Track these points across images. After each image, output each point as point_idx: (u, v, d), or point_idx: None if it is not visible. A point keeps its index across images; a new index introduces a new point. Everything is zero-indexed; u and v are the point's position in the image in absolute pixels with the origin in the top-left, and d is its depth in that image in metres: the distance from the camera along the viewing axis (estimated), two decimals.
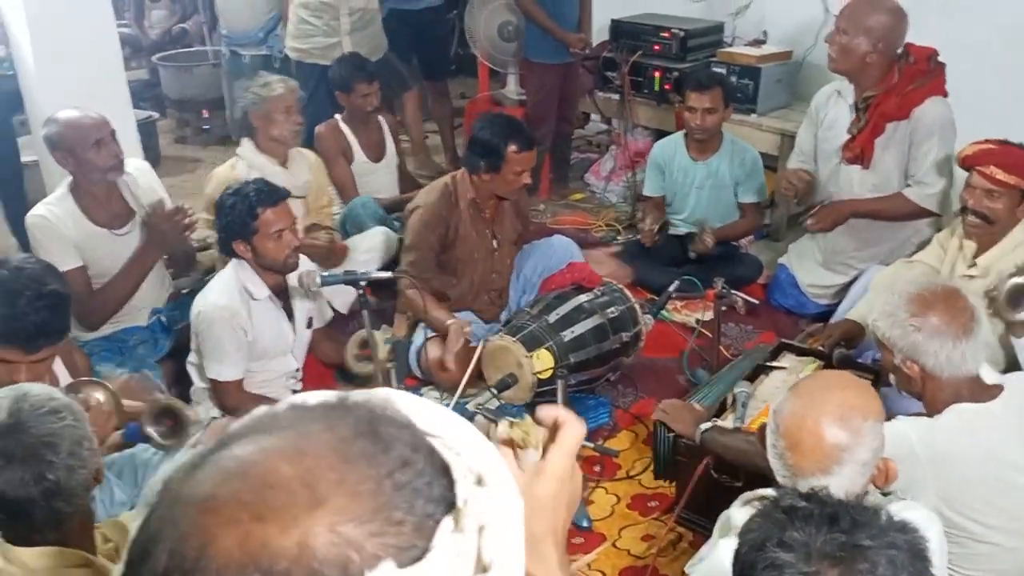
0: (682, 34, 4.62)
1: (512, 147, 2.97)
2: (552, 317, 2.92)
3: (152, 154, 6.26)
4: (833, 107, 3.37)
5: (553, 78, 4.64)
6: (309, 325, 2.91)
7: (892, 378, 2.07)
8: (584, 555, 2.41)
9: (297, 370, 2.89)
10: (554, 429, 0.77)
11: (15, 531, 1.43)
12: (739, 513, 1.59)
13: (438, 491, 0.52)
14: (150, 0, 7.82)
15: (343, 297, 3.30)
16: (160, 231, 2.96)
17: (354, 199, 3.84)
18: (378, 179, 4.03)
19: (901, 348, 1.93)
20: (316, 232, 3.48)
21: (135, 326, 3.14)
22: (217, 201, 2.66)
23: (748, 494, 1.63)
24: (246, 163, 3.38)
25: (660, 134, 4.85)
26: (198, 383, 2.86)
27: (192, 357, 2.85)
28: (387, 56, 4.50)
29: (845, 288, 3.39)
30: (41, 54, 3.50)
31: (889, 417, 1.99)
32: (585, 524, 2.49)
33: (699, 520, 2.35)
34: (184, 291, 3.33)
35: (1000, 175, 2.58)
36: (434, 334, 3.04)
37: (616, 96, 4.90)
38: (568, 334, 2.88)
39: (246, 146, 3.44)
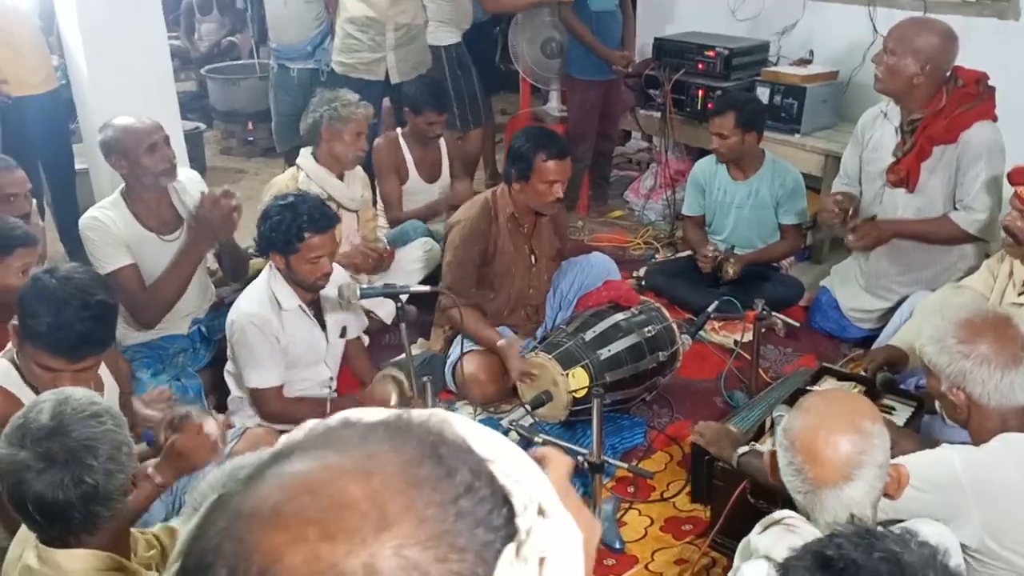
0: (726, 53, 4.59)
1: (541, 155, 2.96)
2: (588, 335, 2.90)
3: (198, 164, 6.38)
4: (879, 128, 3.32)
5: (595, 95, 4.64)
6: (343, 335, 2.91)
7: (937, 405, 2.03)
8: None
9: (331, 379, 2.89)
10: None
11: (51, 533, 1.45)
12: (760, 539, 1.58)
13: (499, 519, 0.51)
14: (200, 14, 7.99)
15: (387, 307, 3.31)
16: (207, 219, 2.96)
17: (405, 223, 3.86)
18: (429, 199, 4.06)
19: (948, 375, 1.89)
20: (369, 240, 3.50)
21: (176, 334, 3.18)
22: (266, 207, 2.68)
23: (767, 518, 1.62)
24: (306, 174, 3.41)
25: (701, 153, 4.81)
26: (235, 392, 2.88)
27: (229, 366, 2.87)
28: (466, 85, 4.55)
29: (888, 313, 3.33)
30: (95, 64, 3.59)
31: (934, 445, 1.95)
32: (618, 546, 2.46)
33: (734, 546, 2.29)
34: (226, 301, 3.36)
35: None
36: (470, 349, 3.04)
37: (657, 114, 4.89)
38: (604, 352, 2.86)
39: (306, 157, 3.47)
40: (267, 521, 0.48)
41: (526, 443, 2.71)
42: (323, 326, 2.81)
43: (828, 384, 2.75)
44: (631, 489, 2.67)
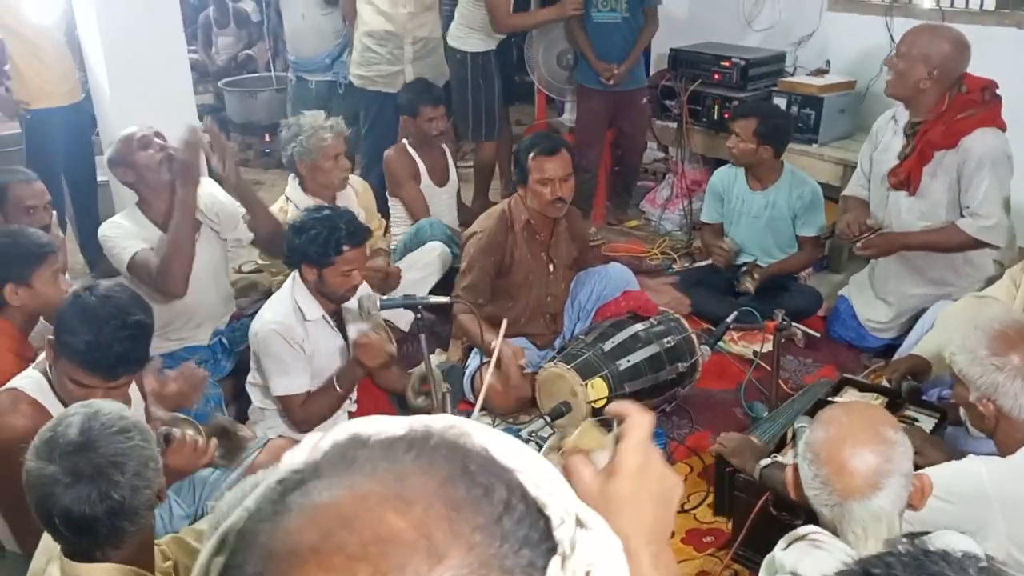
0: (743, 63, 4.60)
1: (532, 153, 2.99)
2: (607, 345, 2.90)
3: (215, 176, 6.44)
4: (888, 131, 3.34)
5: (600, 104, 4.65)
6: None
7: (963, 414, 2.01)
8: None
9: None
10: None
11: (77, 546, 1.45)
12: (785, 554, 1.57)
13: (536, 534, 0.49)
14: (217, 27, 8.06)
15: (407, 317, 3.32)
16: (184, 162, 2.84)
17: (422, 220, 3.87)
18: (440, 203, 4.08)
19: (979, 386, 1.88)
20: (373, 258, 3.49)
21: (197, 345, 3.19)
22: (300, 220, 2.67)
23: (791, 534, 1.61)
24: (294, 205, 3.40)
25: (718, 163, 4.81)
26: (257, 403, 2.89)
27: (252, 377, 2.88)
28: (485, 96, 4.55)
29: (907, 323, 3.32)
30: (115, 78, 3.63)
31: (960, 455, 1.94)
32: (672, 526, 2.43)
33: (756, 558, 2.28)
34: (246, 313, 3.37)
35: None
36: (487, 360, 3.04)
37: (674, 124, 4.89)
38: (623, 363, 2.86)
39: (293, 187, 3.46)
40: (307, 561, 0.45)
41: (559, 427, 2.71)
42: (345, 337, 2.82)
43: (850, 395, 2.73)
44: None
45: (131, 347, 1.94)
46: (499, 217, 3.15)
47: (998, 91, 3.11)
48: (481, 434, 0.53)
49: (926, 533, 1.69)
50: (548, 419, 2.72)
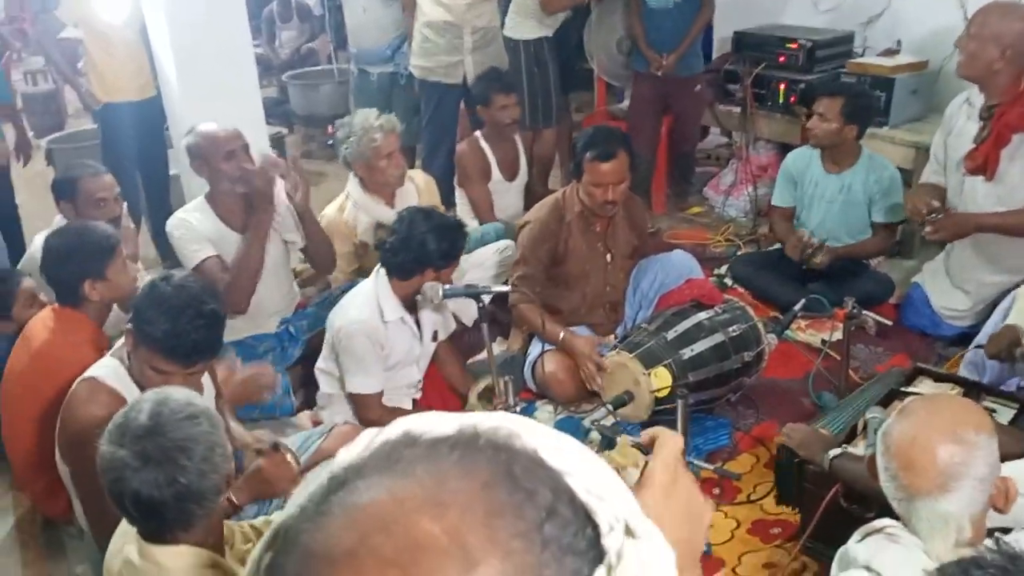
0: (809, 45, 4.48)
1: (588, 155, 2.94)
2: (671, 334, 2.86)
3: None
4: (963, 115, 3.23)
5: (651, 90, 4.60)
6: (434, 338, 2.95)
7: None
8: None
9: (419, 381, 2.93)
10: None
11: (148, 527, 1.49)
12: (860, 548, 1.53)
13: (583, 542, 0.47)
14: (280, 21, 8.19)
15: (472, 311, 3.32)
16: (259, 191, 2.94)
17: (489, 225, 3.87)
18: (509, 197, 4.08)
19: None
20: None
21: (264, 333, 3.25)
22: (425, 230, 2.69)
23: (867, 526, 1.57)
24: (353, 202, 3.43)
25: (784, 147, 4.71)
26: (324, 388, 2.92)
27: (321, 363, 2.91)
28: (540, 83, 4.53)
29: (983, 312, 3.20)
30: (183, 73, 3.71)
31: None
32: (704, 548, 2.41)
33: (826, 551, 2.23)
34: (312, 303, 3.42)
35: None
36: (549, 348, 3.03)
37: (737, 109, 4.79)
38: (687, 352, 2.82)
39: (353, 185, 3.47)
40: (341, 565, 0.44)
41: (608, 443, 2.69)
42: (419, 330, 2.86)
43: (924, 386, 2.65)
44: (716, 491, 2.62)
45: (206, 335, 1.99)
46: (552, 206, 3.13)
47: None
48: (532, 435, 0.52)
49: (1008, 530, 1.63)
50: (610, 408, 2.70)
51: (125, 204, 3.25)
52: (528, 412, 3.03)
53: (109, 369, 2.07)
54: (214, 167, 2.98)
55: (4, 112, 4.77)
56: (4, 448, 2.54)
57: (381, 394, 2.78)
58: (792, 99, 4.50)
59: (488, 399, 2.83)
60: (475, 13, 4.20)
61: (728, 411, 3.00)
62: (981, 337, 2.99)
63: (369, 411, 2.77)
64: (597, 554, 0.47)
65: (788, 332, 3.31)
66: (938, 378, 2.69)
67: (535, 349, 3.08)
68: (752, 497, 2.62)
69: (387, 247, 2.67)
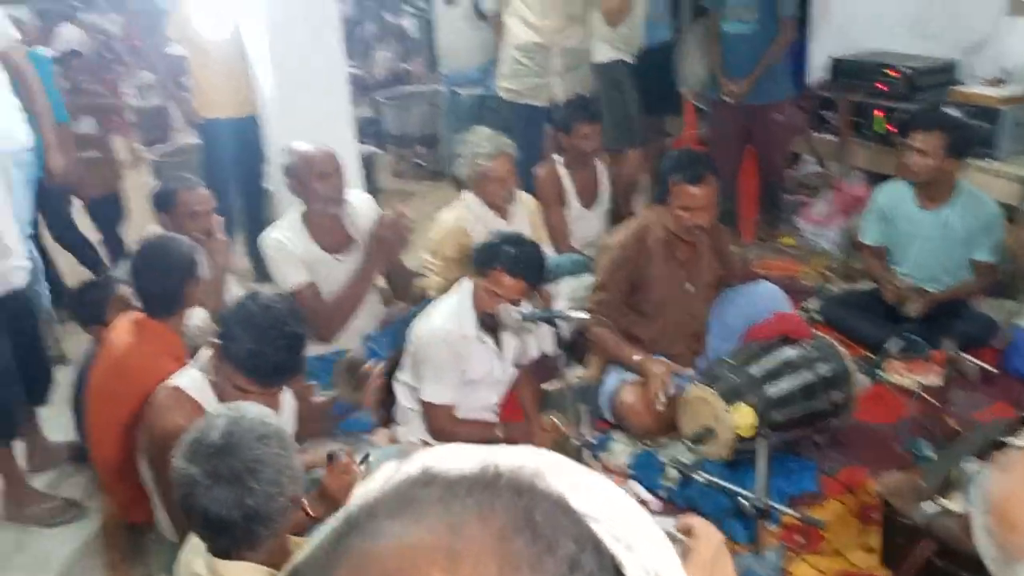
0: (910, 72, 4.33)
1: (675, 178, 2.86)
2: (756, 370, 2.76)
3: (372, 187, 6.65)
4: None
5: (730, 118, 4.50)
6: (516, 363, 2.93)
7: None
8: None
9: (496, 404, 2.91)
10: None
11: (217, 544, 1.51)
12: None
13: None
14: (376, 42, 8.37)
15: (550, 337, 3.29)
16: (384, 239, 3.09)
17: (564, 257, 3.84)
18: (588, 225, 4.03)
19: None
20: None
21: (346, 349, 3.29)
22: (510, 234, 2.72)
23: None
24: (471, 212, 3.46)
25: (880, 178, 4.54)
26: (403, 402, 2.93)
27: (402, 375, 2.92)
28: (619, 106, 4.51)
29: None
30: (280, 92, 3.82)
31: None
32: None
33: None
34: (397, 319, 3.45)
35: None
36: (627, 378, 2.97)
37: (833, 137, 4.65)
38: (773, 389, 2.72)
39: (471, 196, 3.50)
40: None
41: (685, 480, 2.62)
42: (500, 352, 2.84)
43: None
44: (800, 538, 2.51)
45: (288, 357, 2.02)
46: (634, 232, 3.08)
47: None
48: (559, 474, 0.48)
49: None
50: (689, 444, 2.62)
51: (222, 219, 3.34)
52: (603, 444, 2.98)
53: (192, 380, 2.12)
54: (306, 186, 3.06)
55: (115, 125, 5.03)
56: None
57: (452, 408, 2.77)
58: (890, 128, 4.34)
59: (561, 427, 2.79)
60: (564, 35, 4.19)
61: (815, 454, 2.87)
62: None
63: (439, 422, 2.77)
64: None
65: (881, 373, 3.18)
66: None
67: (612, 378, 3.02)
68: (838, 547, 2.49)
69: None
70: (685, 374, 3.11)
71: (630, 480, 2.80)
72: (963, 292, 3.52)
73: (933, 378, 3.03)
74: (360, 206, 3.28)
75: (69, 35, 12.00)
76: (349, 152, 3.99)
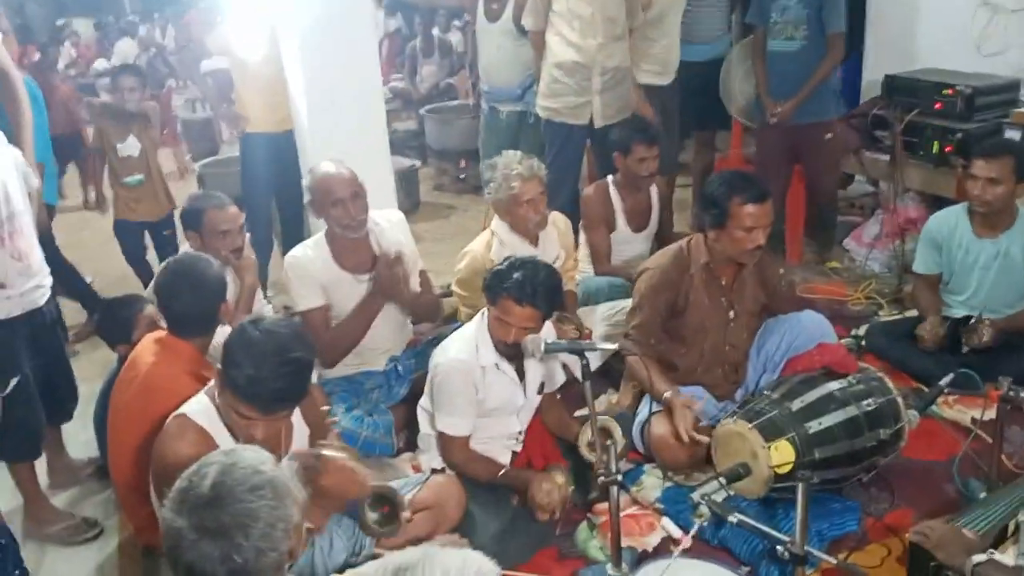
0: (968, 91, 4.15)
1: (737, 199, 2.74)
2: (796, 404, 2.62)
3: (412, 200, 6.65)
4: None
5: (776, 138, 4.37)
6: (540, 391, 2.83)
7: None
8: None
9: (519, 432, 2.81)
10: None
11: None
12: None
13: None
14: (422, 56, 8.39)
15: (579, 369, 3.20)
16: (383, 277, 3.02)
17: (603, 280, 3.75)
18: (634, 249, 3.92)
19: None
20: (566, 324, 3.36)
21: (372, 370, 3.24)
22: (518, 260, 2.62)
23: None
24: (499, 240, 3.38)
25: (935, 200, 4.37)
26: (425, 429, 2.86)
27: (424, 402, 2.86)
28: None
29: None
30: (313, 108, 3.79)
31: None
32: None
33: None
34: (424, 340, 3.38)
35: None
36: (660, 408, 2.85)
37: (885, 157, 4.48)
38: (814, 425, 2.57)
39: (499, 224, 3.43)
40: None
41: (717, 520, 2.48)
42: (522, 379, 2.75)
43: None
44: None
45: (289, 384, 1.94)
46: (675, 255, 2.96)
47: None
48: None
49: None
50: (723, 481, 2.49)
51: (248, 235, 3.31)
52: (635, 476, 2.86)
53: (200, 407, 2.06)
54: (323, 212, 3.02)
55: (165, 138, 5.10)
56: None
57: (467, 439, 2.68)
58: (947, 149, 4.15)
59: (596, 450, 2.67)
60: (606, 53, 4.10)
61: (859, 493, 2.71)
62: None
63: (453, 454, 2.69)
64: None
65: (933, 407, 3.00)
66: None
67: (645, 408, 2.90)
68: None
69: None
70: (721, 406, 2.98)
71: (662, 516, 2.68)
72: (1022, 321, 3.33)
73: (988, 414, 2.85)
74: (389, 225, 3.21)
75: (127, 49, 12.34)
76: (383, 168, 3.94)
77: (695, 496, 2.44)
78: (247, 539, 1.33)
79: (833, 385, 2.69)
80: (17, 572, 2.32)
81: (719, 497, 2.49)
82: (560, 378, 2.92)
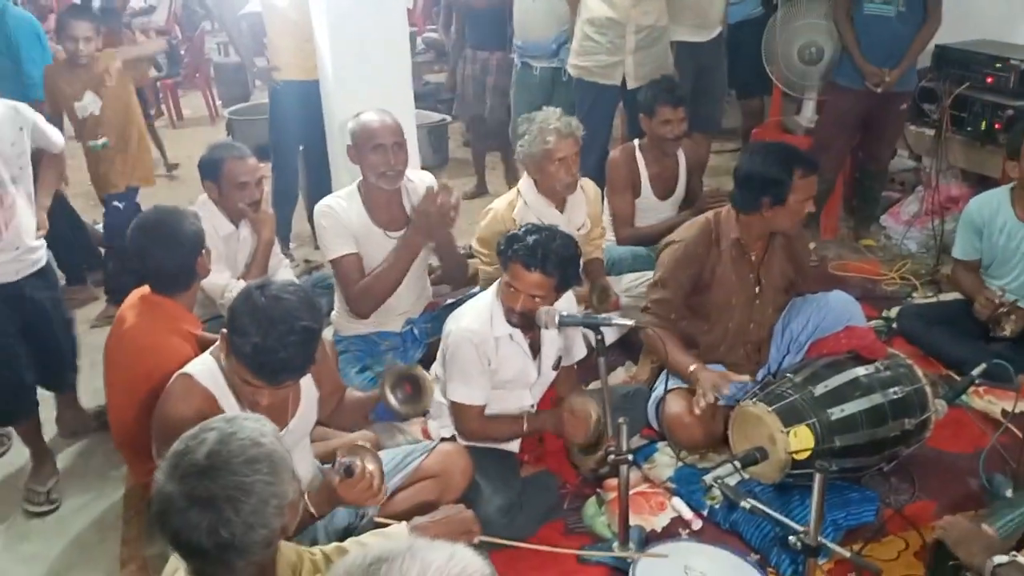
0: (1022, 66, 3.93)
1: (799, 172, 2.67)
2: (819, 389, 2.52)
3: (441, 155, 6.54)
4: None
5: (853, 105, 4.16)
6: (556, 366, 2.76)
7: None
8: None
9: (532, 407, 2.75)
10: None
11: (192, 566, 1.38)
12: None
13: None
14: (456, 8, 8.18)
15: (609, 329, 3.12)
16: (426, 214, 2.93)
17: (626, 249, 3.65)
18: (659, 217, 3.77)
19: None
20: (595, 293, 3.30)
21: (389, 331, 3.19)
22: (511, 237, 2.51)
23: None
24: (523, 201, 3.28)
25: (980, 179, 4.20)
26: (436, 396, 2.81)
27: (436, 368, 2.81)
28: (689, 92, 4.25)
29: None
30: (338, 58, 3.69)
31: None
32: None
33: None
34: (443, 304, 3.32)
35: None
36: (676, 386, 2.77)
37: (931, 131, 4.30)
38: (836, 412, 2.48)
39: (526, 184, 3.32)
40: None
41: (729, 504, 2.42)
42: (537, 355, 2.68)
43: None
44: None
45: (296, 353, 1.87)
46: (702, 229, 2.85)
47: None
48: None
49: None
50: (737, 465, 2.41)
51: (267, 188, 3.25)
52: (647, 453, 2.79)
53: (205, 369, 2.01)
54: (362, 157, 2.96)
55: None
56: None
57: (482, 408, 2.62)
58: (996, 126, 3.98)
59: (592, 449, 2.63)
60: (642, 10, 3.94)
61: (878, 483, 2.62)
62: None
63: (467, 422, 2.64)
64: None
65: (963, 397, 2.90)
66: None
67: (662, 384, 2.81)
68: None
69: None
70: (744, 380, 2.87)
71: (673, 496, 2.62)
72: None
73: (1020, 407, 2.74)
74: (420, 185, 3.13)
75: None
76: (407, 122, 3.83)
77: (708, 478, 2.37)
78: (237, 514, 1.28)
79: (859, 371, 2.59)
80: None
81: (732, 481, 2.42)
82: (579, 352, 2.83)
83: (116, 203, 4.08)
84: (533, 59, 4.75)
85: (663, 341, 2.69)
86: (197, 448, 1.33)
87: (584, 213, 3.39)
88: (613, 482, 2.56)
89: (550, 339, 2.67)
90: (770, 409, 2.46)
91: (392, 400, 2.33)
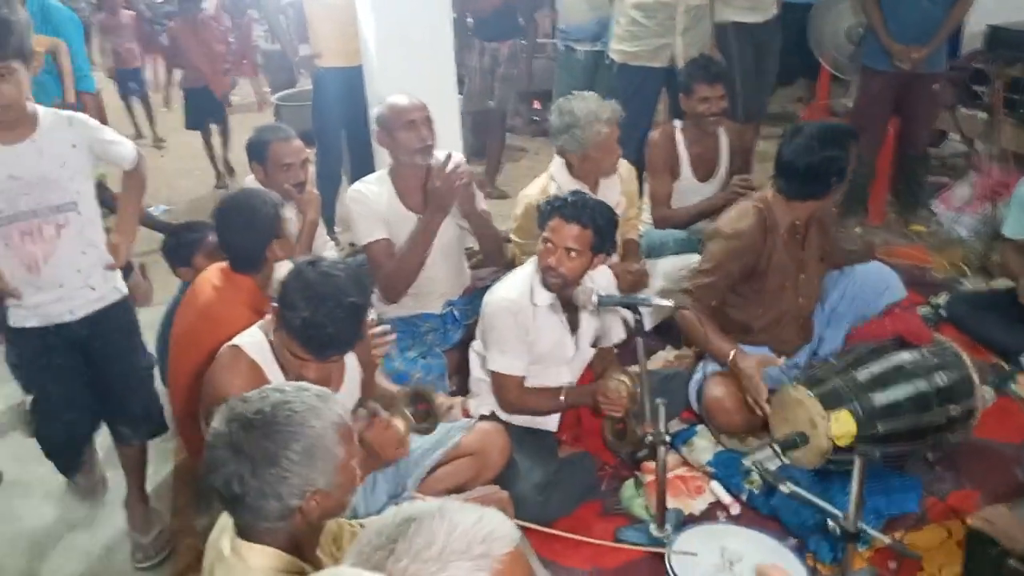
0: None
1: (853, 149, 2.66)
2: (862, 374, 2.49)
3: (480, 142, 6.56)
4: None
5: (884, 87, 4.09)
6: (595, 344, 2.76)
7: None
8: None
9: (570, 384, 2.76)
10: None
11: (235, 520, 1.45)
12: None
13: None
14: None
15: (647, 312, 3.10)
16: (435, 190, 2.93)
17: (667, 234, 3.63)
18: (700, 199, 3.72)
19: None
20: (629, 263, 3.28)
21: (429, 313, 3.22)
22: (553, 198, 2.58)
23: None
24: (556, 186, 3.26)
25: None
26: (477, 373, 2.83)
27: (476, 345, 2.83)
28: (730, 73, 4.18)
29: None
30: (382, 43, 3.72)
31: None
32: None
33: None
34: (482, 285, 3.34)
35: None
36: (718, 370, 2.75)
37: (983, 115, 4.20)
38: (880, 397, 2.45)
39: (558, 166, 3.30)
40: None
41: (768, 489, 2.41)
42: (575, 330, 2.69)
43: None
44: (892, 565, 2.26)
45: (343, 328, 1.92)
46: (757, 219, 2.76)
47: None
48: None
49: None
50: (777, 449, 2.40)
51: (312, 169, 3.29)
52: (686, 437, 2.79)
53: (254, 342, 2.06)
54: (393, 137, 2.98)
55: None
56: None
57: (522, 379, 2.64)
58: None
59: (621, 436, 2.63)
60: None
61: (922, 470, 2.58)
62: None
63: (507, 392, 2.66)
64: None
65: (1011, 385, 2.84)
66: None
67: (701, 369, 2.80)
68: None
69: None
70: (784, 364, 2.83)
71: (711, 480, 2.61)
72: None
73: None
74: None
75: None
76: (449, 108, 3.86)
77: (747, 462, 2.37)
78: (254, 476, 1.34)
79: (904, 356, 2.56)
80: None
81: (772, 465, 2.41)
82: (618, 334, 2.83)
83: None
84: (576, 43, 4.74)
85: (703, 324, 2.68)
86: (255, 403, 1.40)
87: (618, 192, 3.36)
88: (651, 464, 2.56)
89: (587, 317, 2.69)
90: (811, 393, 2.44)
91: (409, 418, 2.35)
